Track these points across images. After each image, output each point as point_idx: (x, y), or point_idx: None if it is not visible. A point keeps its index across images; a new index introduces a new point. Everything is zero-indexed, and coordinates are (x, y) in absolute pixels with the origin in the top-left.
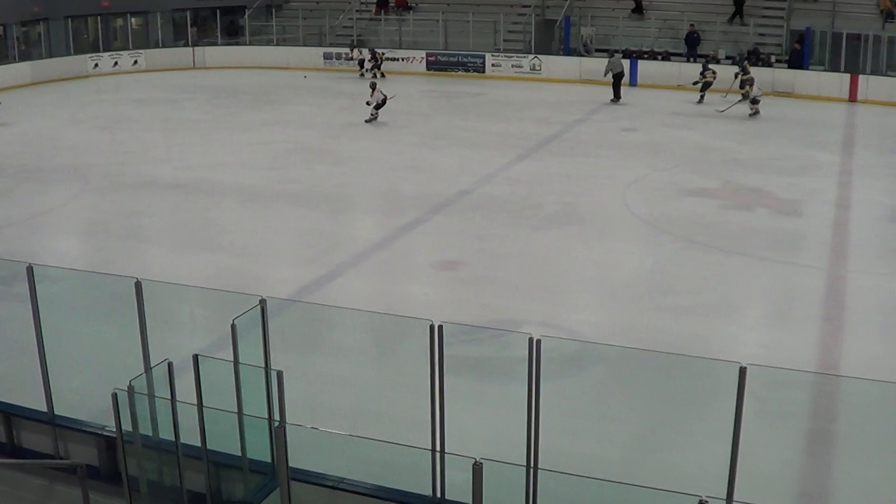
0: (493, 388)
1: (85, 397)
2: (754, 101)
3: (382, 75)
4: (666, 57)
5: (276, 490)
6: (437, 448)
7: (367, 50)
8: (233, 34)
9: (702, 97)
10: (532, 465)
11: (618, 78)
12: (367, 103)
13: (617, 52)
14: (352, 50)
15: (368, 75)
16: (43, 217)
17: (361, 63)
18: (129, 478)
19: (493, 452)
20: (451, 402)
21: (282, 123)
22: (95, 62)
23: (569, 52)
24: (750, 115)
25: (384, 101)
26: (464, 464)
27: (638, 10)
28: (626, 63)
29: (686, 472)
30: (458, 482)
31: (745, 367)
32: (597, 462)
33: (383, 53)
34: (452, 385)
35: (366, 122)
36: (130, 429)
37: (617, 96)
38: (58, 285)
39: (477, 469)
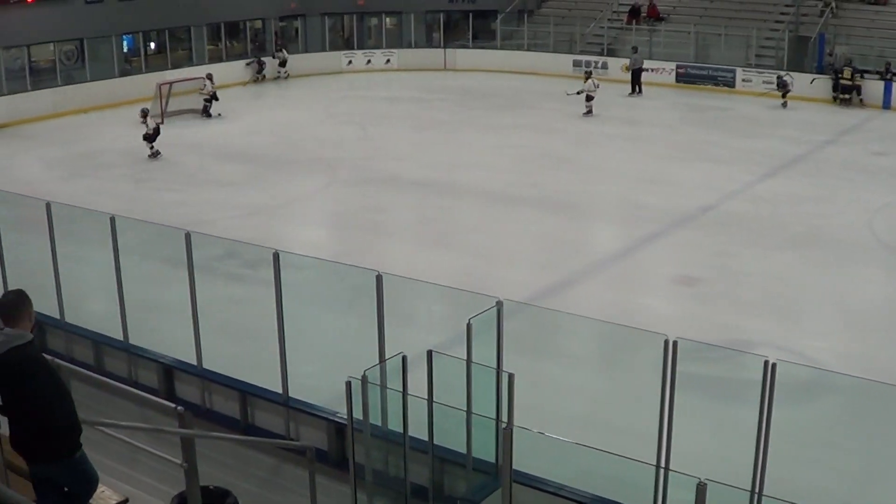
0: (722, 409)
1: (319, 383)
2: (588, 98)
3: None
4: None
5: (498, 490)
6: (662, 464)
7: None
8: (484, 38)
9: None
10: (757, 490)
11: (636, 73)
12: (145, 137)
13: (637, 48)
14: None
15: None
16: (291, 206)
17: (284, 63)
18: (355, 465)
19: (717, 474)
20: (678, 418)
21: (527, 128)
22: (349, 59)
23: (822, 70)
24: (584, 113)
25: (156, 131)
26: (687, 483)
27: None
28: (881, 84)
29: None
30: (679, 501)
31: None
32: (824, 494)
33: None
34: (681, 402)
35: (149, 157)
36: (361, 417)
37: (633, 90)
38: (301, 273)
39: (700, 490)
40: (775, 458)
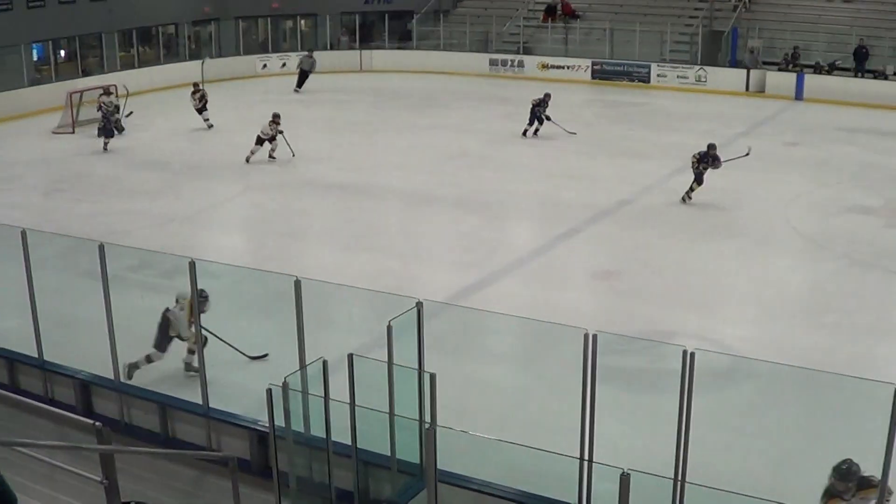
0: (643, 399)
1: (239, 391)
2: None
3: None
4: (830, 71)
5: (423, 491)
6: (585, 457)
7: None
8: (400, 39)
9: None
10: (679, 478)
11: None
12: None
13: (312, 50)
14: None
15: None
16: (207, 213)
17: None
18: (279, 472)
19: (640, 464)
20: (600, 411)
21: (444, 128)
22: (264, 63)
23: (735, 63)
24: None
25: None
26: (611, 474)
27: None
28: (793, 76)
29: None
30: (604, 492)
31: None
32: (745, 478)
33: None
34: (603, 394)
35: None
36: (283, 424)
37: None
38: (218, 281)
39: (624, 480)
40: (696, 446)
